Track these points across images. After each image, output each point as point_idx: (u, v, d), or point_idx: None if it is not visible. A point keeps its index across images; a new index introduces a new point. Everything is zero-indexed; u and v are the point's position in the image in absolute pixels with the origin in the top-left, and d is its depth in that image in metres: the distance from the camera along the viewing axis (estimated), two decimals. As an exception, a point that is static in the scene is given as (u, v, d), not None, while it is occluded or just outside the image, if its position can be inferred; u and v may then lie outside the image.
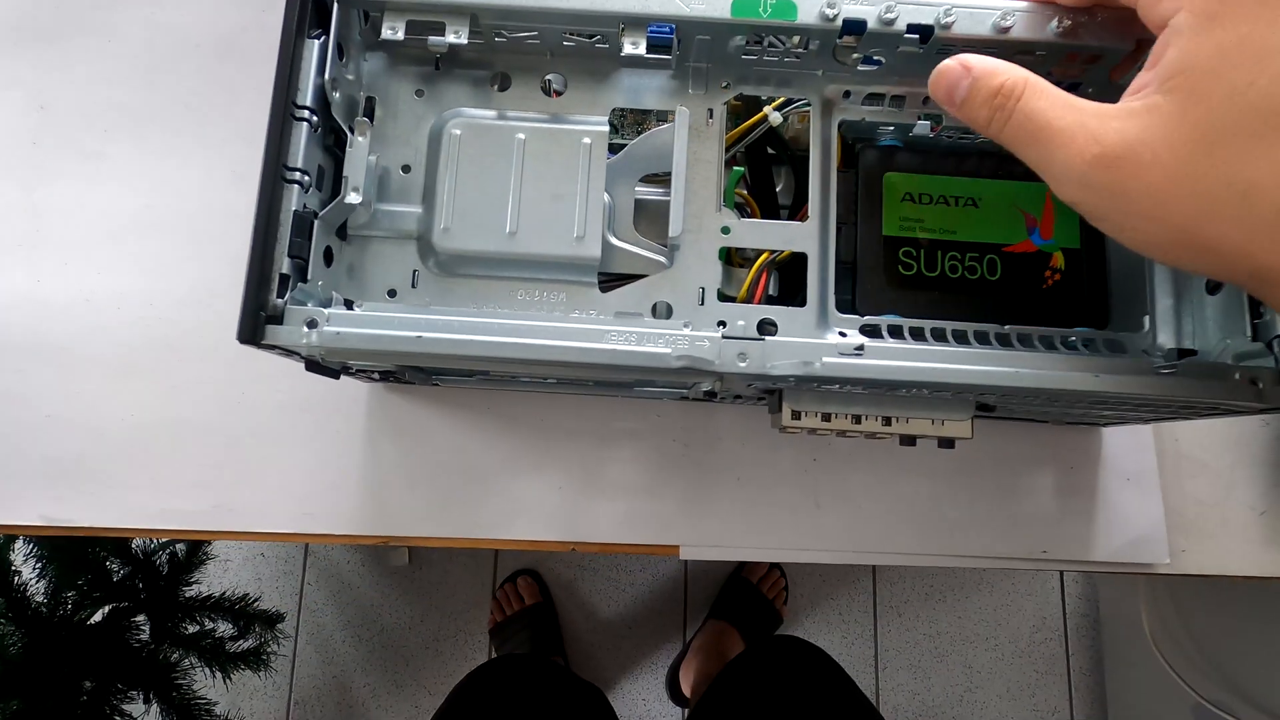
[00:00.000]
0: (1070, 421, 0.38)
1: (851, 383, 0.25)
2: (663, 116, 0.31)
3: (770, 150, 0.33)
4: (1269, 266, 0.20)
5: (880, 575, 1.09)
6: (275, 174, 0.25)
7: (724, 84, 0.30)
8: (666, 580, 1.07)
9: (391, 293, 0.29)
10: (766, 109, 0.30)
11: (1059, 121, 0.22)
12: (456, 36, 0.27)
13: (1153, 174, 0.20)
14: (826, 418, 0.26)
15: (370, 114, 0.29)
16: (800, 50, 0.29)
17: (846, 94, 0.30)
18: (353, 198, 0.26)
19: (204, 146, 0.40)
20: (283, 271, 0.25)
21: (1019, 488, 0.38)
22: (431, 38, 0.28)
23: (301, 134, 0.26)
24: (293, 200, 0.25)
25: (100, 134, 0.41)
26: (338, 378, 0.27)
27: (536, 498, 0.37)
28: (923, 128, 0.31)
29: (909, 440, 0.27)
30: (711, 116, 0.30)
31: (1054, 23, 0.27)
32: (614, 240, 0.32)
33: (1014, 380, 0.25)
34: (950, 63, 0.25)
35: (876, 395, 0.27)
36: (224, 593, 0.81)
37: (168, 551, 0.80)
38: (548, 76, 0.30)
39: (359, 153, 0.27)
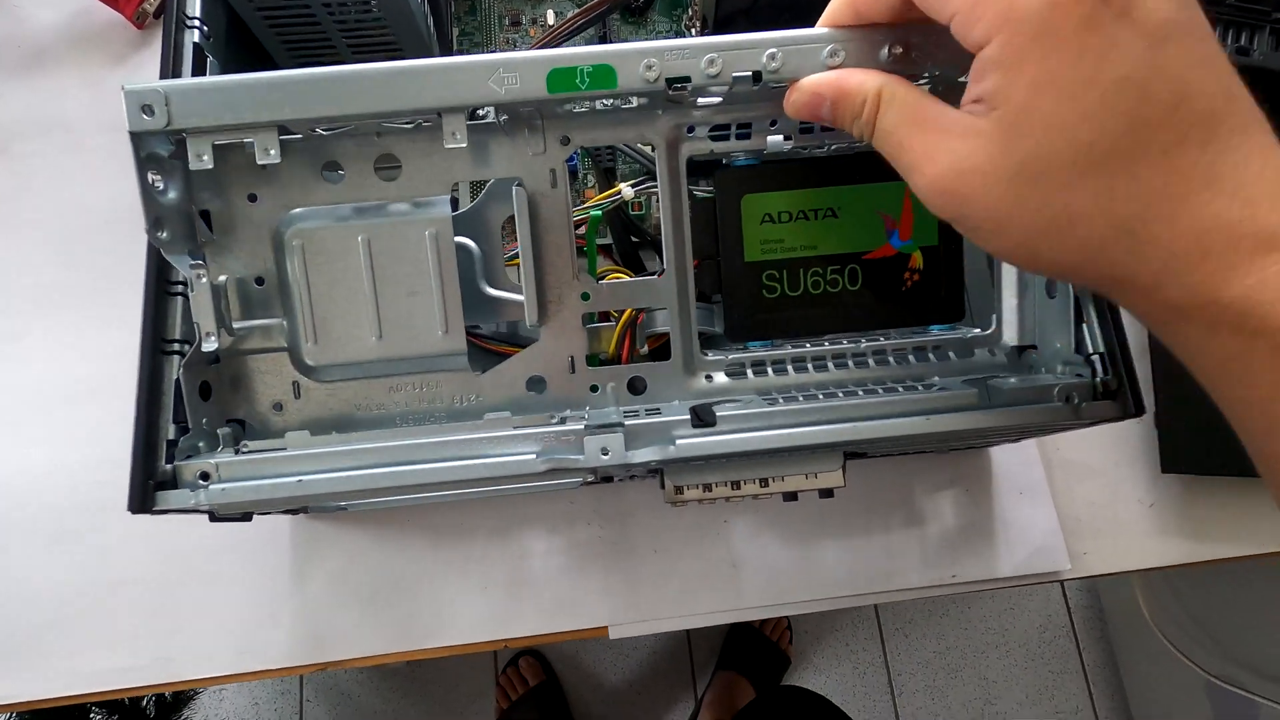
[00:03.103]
0: (953, 448, 0.40)
1: (711, 459, 0.27)
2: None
3: (626, 227, 0.33)
4: (1099, 283, 0.22)
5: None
6: (154, 348, 0.26)
7: (562, 139, 0.29)
8: (669, 637, 1.04)
9: (278, 406, 0.30)
10: (621, 185, 0.30)
11: (907, 141, 0.23)
12: (270, 155, 0.26)
13: (988, 199, 0.21)
14: (708, 488, 0.29)
15: (209, 222, 0.29)
16: (630, 105, 0.28)
17: (690, 129, 0.29)
18: (209, 344, 0.27)
19: (122, 313, 0.40)
20: (169, 438, 0.26)
21: (922, 517, 0.40)
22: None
23: (178, 308, 0.27)
24: (174, 370, 0.26)
25: (24, 316, 0.42)
26: (249, 520, 0.29)
27: (464, 601, 0.39)
28: (776, 144, 0.30)
29: (791, 496, 0.29)
30: (555, 181, 0.29)
31: (884, 51, 0.26)
32: (489, 290, 0.32)
33: (854, 434, 0.27)
34: (802, 95, 0.25)
35: (748, 459, 0.28)
36: (220, 723, 0.80)
37: (151, 695, 0.79)
38: (383, 155, 0.29)
39: (202, 296, 0.27)
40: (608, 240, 0.38)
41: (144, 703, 0.80)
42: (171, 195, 0.27)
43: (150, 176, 0.26)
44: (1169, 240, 0.20)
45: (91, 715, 0.75)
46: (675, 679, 1.04)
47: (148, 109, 0.25)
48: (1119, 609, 1.00)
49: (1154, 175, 0.20)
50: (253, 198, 0.29)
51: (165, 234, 0.26)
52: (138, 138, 0.25)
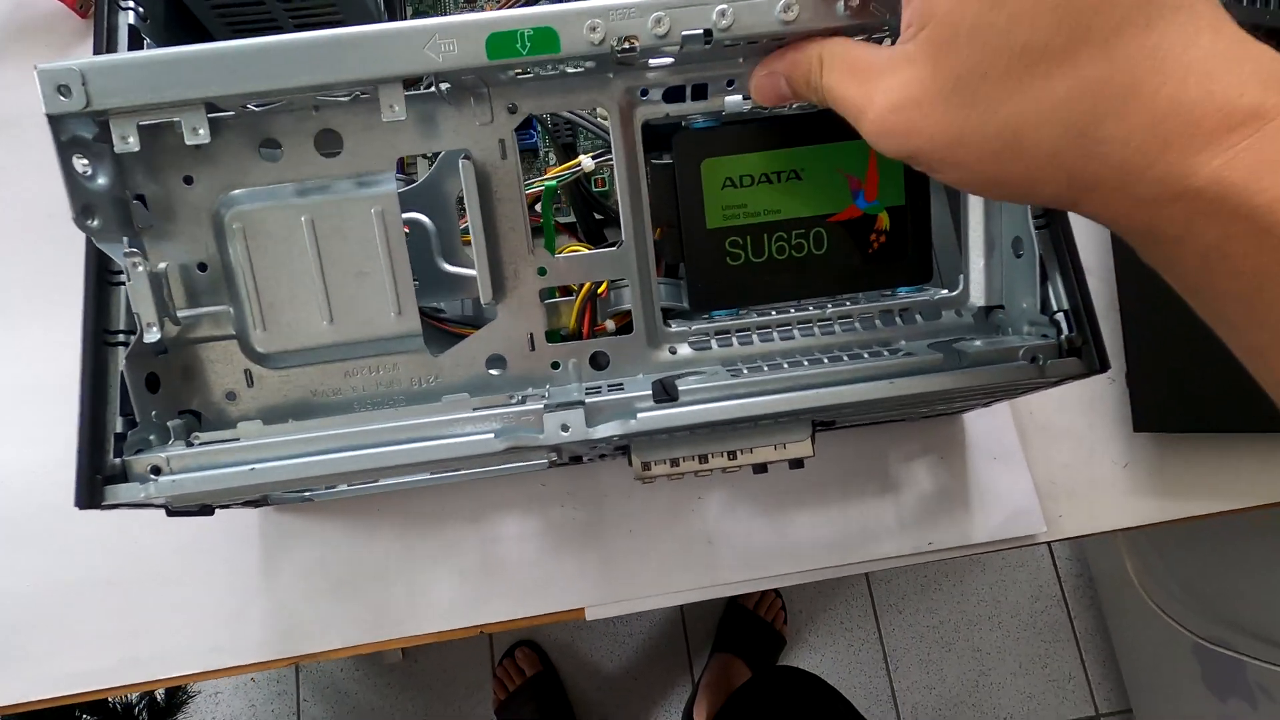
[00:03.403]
0: (926, 415, 0.39)
1: (675, 430, 0.27)
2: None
3: (587, 202, 0.32)
4: (1065, 193, 0.20)
5: (873, 576, 1.05)
6: (97, 340, 0.26)
7: (510, 107, 0.28)
8: (663, 622, 1.05)
9: (231, 395, 0.29)
10: (581, 156, 0.29)
11: (847, 93, 0.23)
12: (199, 135, 0.25)
13: (930, 128, 0.20)
14: (675, 463, 0.28)
15: (144, 202, 0.28)
16: (578, 69, 0.26)
17: (644, 92, 0.28)
18: (151, 335, 0.26)
19: (73, 309, 0.39)
20: (117, 431, 0.25)
21: (897, 486, 0.40)
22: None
23: (121, 297, 0.26)
24: (119, 362, 0.25)
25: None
26: (210, 513, 0.29)
27: (440, 588, 0.39)
28: (735, 104, 0.29)
29: (761, 468, 0.29)
30: (505, 152, 0.28)
31: (840, 3, 0.25)
32: (446, 267, 0.32)
33: (817, 400, 0.26)
34: (761, 79, 0.26)
35: (715, 433, 0.28)
36: (217, 728, 0.79)
37: (144, 700, 0.77)
38: (322, 130, 0.28)
39: (140, 286, 0.26)
40: (573, 219, 0.37)
41: (136, 710, 0.79)
42: (102, 180, 0.26)
43: (77, 161, 0.25)
44: (1124, 135, 0.18)
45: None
46: (671, 663, 1.04)
47: (64, 89, 0.24)
48: (1108, 576, 1.00)
49: (1096, 69, 0.18)
50: (189, 180, 0.27)
51: (96, 221, 0.25)
52: (56, 120, 0.24)
